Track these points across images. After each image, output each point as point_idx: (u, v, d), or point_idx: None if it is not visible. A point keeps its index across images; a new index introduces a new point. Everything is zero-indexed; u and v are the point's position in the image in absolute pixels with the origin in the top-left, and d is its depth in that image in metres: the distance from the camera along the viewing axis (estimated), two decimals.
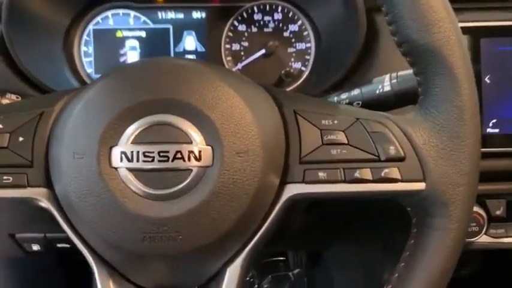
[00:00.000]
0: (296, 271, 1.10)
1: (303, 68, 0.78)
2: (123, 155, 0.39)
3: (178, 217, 0.38)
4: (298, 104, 0.44)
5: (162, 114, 0.39)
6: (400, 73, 0.54)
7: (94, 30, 0.77)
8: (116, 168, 0.39)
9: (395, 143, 0.41)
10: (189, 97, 0.39)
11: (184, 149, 0.39)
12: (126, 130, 0.39)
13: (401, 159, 0.41)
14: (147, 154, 0.39)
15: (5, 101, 0.54)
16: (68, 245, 0.80)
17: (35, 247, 0.79)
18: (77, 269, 0.99)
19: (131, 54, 0.78)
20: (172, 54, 0.78)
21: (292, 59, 0.78)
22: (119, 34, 0.77)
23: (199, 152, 0.39)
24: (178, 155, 0.39)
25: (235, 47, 0.78)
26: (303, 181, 0.41)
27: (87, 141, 0.39)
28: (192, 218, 0.39)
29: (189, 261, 0.41)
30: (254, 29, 0.78)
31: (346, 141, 0.42)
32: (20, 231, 0.76)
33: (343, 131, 0.42)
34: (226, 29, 0.77)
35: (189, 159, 0.39)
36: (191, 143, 0.39)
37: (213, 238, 0.39)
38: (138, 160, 0.39)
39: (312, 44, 0.77)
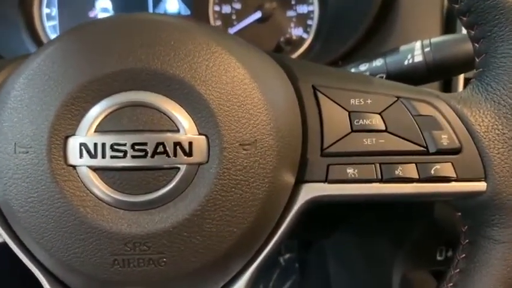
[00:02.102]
0: (287, 256, 1.03)
1: (304, 35, 0.67)
2: (83, 148, 0.28)
3: (162, 233, 0.28)
4: (319, 77, 0.33)
5: (137, 91, 0.28)
6: (433, 40, 0.44)
7: None
8: (73, 167, 0.28)
9: (448, 130, 0.31)
10: (175, 67, 0.28)
11: (169, 139, 0.28)
12: (87, 114, 0.28)
13: (456, 152, 0.31)
14: (116, 147, 0.28)
15: None
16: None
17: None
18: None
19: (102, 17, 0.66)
20: None
21: (292, 24, 0.67)
22: None
23: (190, 143, 0.28)
24: (160, 148, 0.28)
25: (226, 9, 0.67)
26: (326, 180, 0.31)
27: (33, 129, 0.28)
28: (180, 234, 0.28)
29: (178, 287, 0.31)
30: None
31: (383, 127, 0.32)
32: None
33: (379, 114, 0.32)
34: None
35: (175, 153, 0.28)
36: (178, 131, 0.28)
37: (208, 260, 0.29)
38: (104, 155, 0.28)
39: (315, 7, 0.67)
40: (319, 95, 0.32)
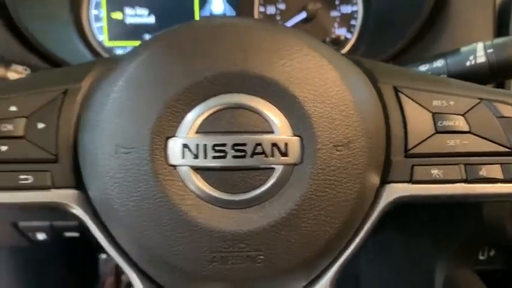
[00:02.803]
0: None
1: (348, 35, 0.67)
2: (185, 149, 0.28)
3: (260, 231, 0.29)
4: (399, 79, 0.34)
5: (235, 93, 0.29)
6: (496, 41, 0.45)
7: None
8: (174, 167, 0.29)
9: None
10: (271, 70, 0.29)
11: (266, 140, 0.29)
12: (186, 116, 0.29)
13: None
14: (217, 148, 0.28)
15: (10, 74, 0.43)
16: (77, 234, 0.72)
17: (40, 236, 0.71)
18: (81, 257, 0.91)
19: (148, 20, 0.66)
20: (196, 18, 0.67)
21: (336, 24, 0.67)
22: None
23: (285, 144, 0.29)
24: (259, 149, 0.29)
25: (271, 10, 0.67)
26: (411, 180, 0.32)
27: (136, 130, 0.28)
28: (277, 232, 0.29)
29: (266, 286, 0.32)
30: None
31: (467, 129, 0.32)
32: (24, 220, 0.67)
33: (462, 115, 0.32)
34: None
35: (272, 154, 0.29)
36: (273, 132, 0.29)
37: (302, 258, 0.30)
38: (205, 156, 0.28)
39: (359, 7, 0.67)
40: (401, 96, 0.33)
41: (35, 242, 0.72)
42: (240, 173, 0.29)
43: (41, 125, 0.31)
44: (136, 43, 0.67)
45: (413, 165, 0.32)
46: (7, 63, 0.43)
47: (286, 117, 0.29)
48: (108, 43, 0.66)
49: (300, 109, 0.29)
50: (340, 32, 0.68)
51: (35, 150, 0.31)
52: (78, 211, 0.32)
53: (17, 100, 0.31)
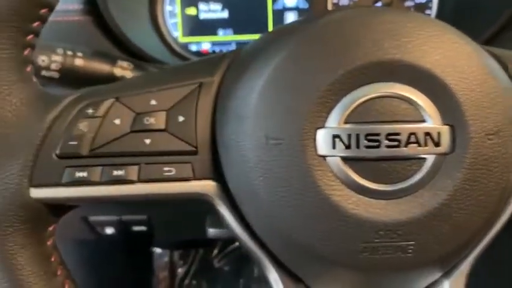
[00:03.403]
0: None
1: None
2: (336, 140, 0.28)
3: (412, 221, 0.29)
4: None
5: (385, 82, 0.29)
6: None
7: None
8: (323, 157, 0.29)
9: None
10: (422, 59, 0.28)
11: (420, 130, 0.28)
12: (336, 105, 0.29)
13: None
14: (371, 137, 0.28)
15: (117, 70, 0.43)
16: (145, 228, 0.73)
17: (109, 230, 0.72)
18: (137, 251, 0.92)
19: (221, 15, 0.67)
20: (270, 11, 0.67)
21: None
22: None
23: (438, 133, 0.29)
24: (412, 139, 0.28)
25: (344, 1, 0.67)
26: None
27: (286, 121, 0.28)
28: (429, 223, 0.29)
29: (410, 276, 0.31)
30: None
31: None
32: (94, 214, 0.68)
33: None
34: None
35: (425, 143, 0.28)
36: (424, 121, 0.29)
37: (452, 249, 0.29)
38: (358, 146, 0.28)
39: None
40: None
41: (102, 236, 0.74)
42: (392, 163, 0.29)
43: (181, 118, 0.31)
44: (210, 39, 0.67)
45: None
46: (113, 60, 0.44)
47: (436, 106, 0.29)
48: (182, 39, 0.67)
49: (451, 97, 0.28)
50: None
51: (177, 142, 0.31)
52: (217, 203, 0.32)
53: (155, 95, 0.32)
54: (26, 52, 0.31)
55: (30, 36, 0.31)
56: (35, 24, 0.31)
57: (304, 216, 0.29)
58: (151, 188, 0.31)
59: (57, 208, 0.32)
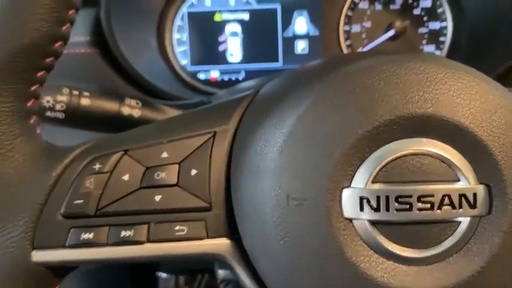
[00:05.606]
0: None
1: (437, 52, 0.65)
2: (364, 201, 0.26)
3: None
4: None
5: (415, 138, 0.27)
6: None
7: (188, 13, 0.64)
8: (350, 220, 0.27)
9: None
10: (455, 114, 0.26)
11: (454, 190, 0.26)
12: (363, 164, 0.27)
13: None
14: (401, 200, 0.26)
15: (124, 109, 0.42)
16: None
17: None
18: (142, 276, 0.91)
19: (232, 42, 0.65)
20: (280, 39, 0.65)
21: (424, 41, 0.65)
22: (217, 17, 0.65)
23: (474, 195, 0.26)
24: (446, 200, 0.26)
25: (356, 28, 0.65)
26: None
27: (311, 179, 0.26)
28: None
29: None
30: (378, 7, 0.65)
31: None
32: None
33: None
34: (345, 7, 0.64)
35: (460, 205, 0.26)
36: (458, 180, 0.27)
37: None
38: (388, 209, 0.26)
39: (448, 23, 0.64)
40: None
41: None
42: (423, 227, 0.26)
43: (193, 171, 0.29)
44: (219, 67, 0.65)
45: None
46: (120, 98, 0.42)
47: (471, 164, 0.27)
48: (191, 67, 0.65)
49: (488, 155, 0.26)
50: (429, 49, 0.65)
51: (189, 198, 0.29)
52: (231, 261, 0.30)
53: (166, 146, 0.30)
54: (29, 103, 0.29)
55: (34, 87, 0.29)
56: (40, 74, 0.29)
57: (328, 285, 0.27)
58: (161, 249, 0.29)
59: (61, 269, 0.30)
